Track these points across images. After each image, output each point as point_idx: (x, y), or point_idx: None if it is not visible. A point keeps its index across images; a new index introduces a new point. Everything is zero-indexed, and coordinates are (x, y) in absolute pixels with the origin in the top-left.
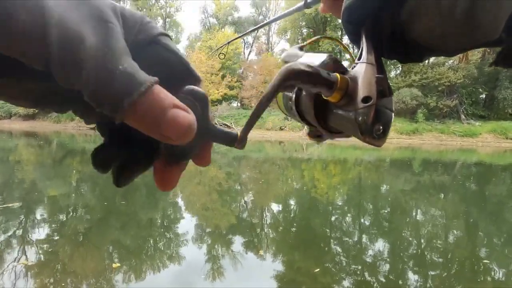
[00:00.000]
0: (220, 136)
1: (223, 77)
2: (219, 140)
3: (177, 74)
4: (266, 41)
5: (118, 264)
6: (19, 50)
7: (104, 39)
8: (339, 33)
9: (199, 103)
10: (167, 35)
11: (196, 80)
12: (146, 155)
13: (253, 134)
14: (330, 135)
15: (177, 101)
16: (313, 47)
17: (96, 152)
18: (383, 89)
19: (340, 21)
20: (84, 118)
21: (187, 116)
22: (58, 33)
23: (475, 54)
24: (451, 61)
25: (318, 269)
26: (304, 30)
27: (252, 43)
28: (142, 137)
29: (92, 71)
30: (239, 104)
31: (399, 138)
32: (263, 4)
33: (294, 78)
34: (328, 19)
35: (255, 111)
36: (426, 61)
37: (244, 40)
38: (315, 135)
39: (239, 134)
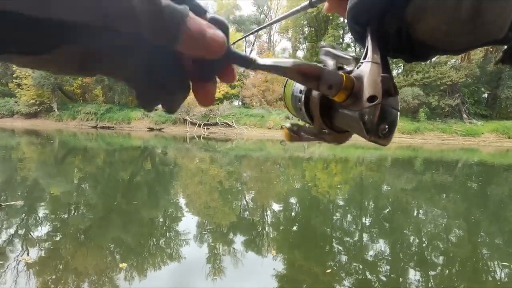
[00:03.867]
0: (239, 57)
1: None
2: (237, 61)
3: (193, 9)
4: (267, 40)
5: (125, 264)
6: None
7: None
8: (341, 32)
9: (222, 29)
10: None
11: (205, 12)
12: (183, 82)
13: (254, 133)
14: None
15: (208, 23)
16: (314, 46)
17: (139, 94)
18: (389, 89)
19: (342, 19)
20: (119, 79)
21: (221, 33)
22: None
23: (477, 53)
24: (453, 60)
25: (329, 270)
26: (306, 29)
27: (254, 42)
28: (173, 74)
29: (146, 13)
30: (240, 103)
31: (401, 137)
32: (264, 3)
33: (301, 73)
34: (330, 17)
35: (277, 65)
36: (428, 60)
37: (245, 39)
38: (294, 131)
39: (254, 58)
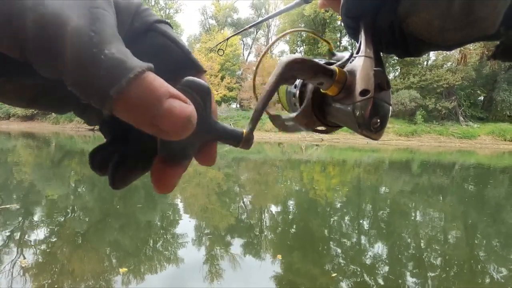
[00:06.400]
0: (224, 134)
1: (222, 78)
2: (222, 139)
3: (177, 64)
4: (265, 43)
5: (125, 269)
6: None
7: (90, 23)
8: (338, 35)
9: (200, 96)
10: (167, 23)
11: (198, 71)
12: (146, 154)
13: None
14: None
15: (174, 90)
16: (312, 48)
17: (95, 152)
18: (381, 83)
19: (339, 23)
20: (85, 118)
21: (186, 107)
22: (34, 16)
23: (473, 57)
24: (450, 63)
25: (335, 274)
26: (303, 33)
27: (252, 44)
28: (145, 136)
29: (74, 57)
30: (238, 106)
31: (398, 139)
32: (262, 6)
33: (294, 67)
34: (327, 21)
35: (260, 104)
36: (425, 63)
37: (243, 42)
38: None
39: (244, 132)
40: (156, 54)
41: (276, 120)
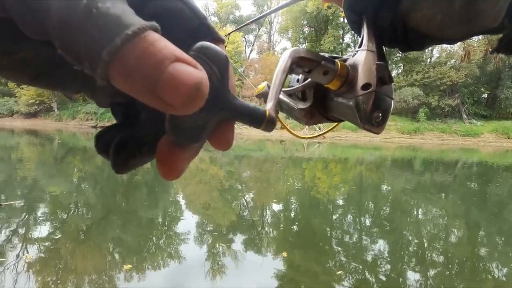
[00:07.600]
0: (243, 112)
1: None
2: (242, 118)
3: (189, 31)
4: (267, 40)
5: (129, 266)
6: None
7: None
8: (341, 32)
9: (216, 66)
10: None
11: (215, 40)
12: (153, 137)
13: (254, 133)
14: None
15: (181, 54)
16: (314, 46)
17: (100, 134)
18: (383, 76)
19: (342, 20)
20: (94, 99)
21: (194, 72)
22: None
23: (477, 54)
24: (453, 60)
25: (340, 271)
26: (306, 29)
27: (254, 42)
28: (156, 117)
29: (60, 12)
30: None
31: (401, 137)
32: (264, 3)
33: (301, 51)
34: (330, 17)
35: (276, 80)
36: (428, 60)
37: (245, 39)
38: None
39: (267, 112)
40: (163, 19)
41: (283, 104)
